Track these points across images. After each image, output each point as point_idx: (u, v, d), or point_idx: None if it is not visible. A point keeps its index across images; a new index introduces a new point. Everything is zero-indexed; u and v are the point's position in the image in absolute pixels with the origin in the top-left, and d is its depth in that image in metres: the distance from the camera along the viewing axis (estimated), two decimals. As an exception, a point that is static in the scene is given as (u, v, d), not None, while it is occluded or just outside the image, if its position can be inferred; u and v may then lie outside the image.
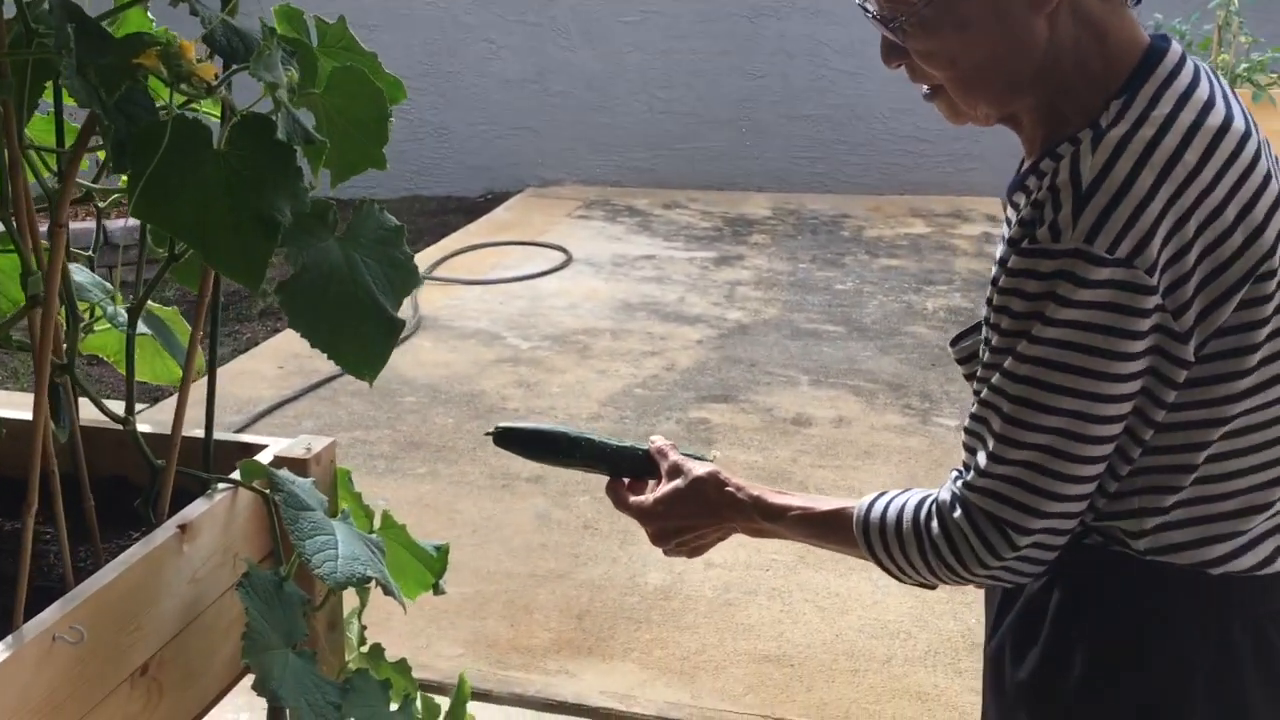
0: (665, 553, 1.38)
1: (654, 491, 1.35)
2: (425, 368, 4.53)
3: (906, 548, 1.17)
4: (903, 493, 1.21)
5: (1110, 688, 1.16)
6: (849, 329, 5.03)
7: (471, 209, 7.32)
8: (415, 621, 2.87)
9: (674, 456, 1.36)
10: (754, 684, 2.65)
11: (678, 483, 1.33)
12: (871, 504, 1.21)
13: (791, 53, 7.42)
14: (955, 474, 1.17)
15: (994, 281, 1.12)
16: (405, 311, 4.88)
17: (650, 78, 7.56)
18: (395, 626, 2.84)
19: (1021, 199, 1.13)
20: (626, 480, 1.39)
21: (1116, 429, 1.08)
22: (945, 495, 1.16)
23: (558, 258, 5.97)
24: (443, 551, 1.36)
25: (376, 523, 1.36)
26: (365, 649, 1.40)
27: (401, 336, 4.84)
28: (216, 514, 1.22)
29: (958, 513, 1.13)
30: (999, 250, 1.17)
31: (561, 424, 1.38)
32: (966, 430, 1.16)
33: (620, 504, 1.37)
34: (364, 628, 1.41)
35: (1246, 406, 1.09)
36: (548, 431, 1.35)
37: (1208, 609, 1.13)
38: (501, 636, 2.82)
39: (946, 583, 1.19)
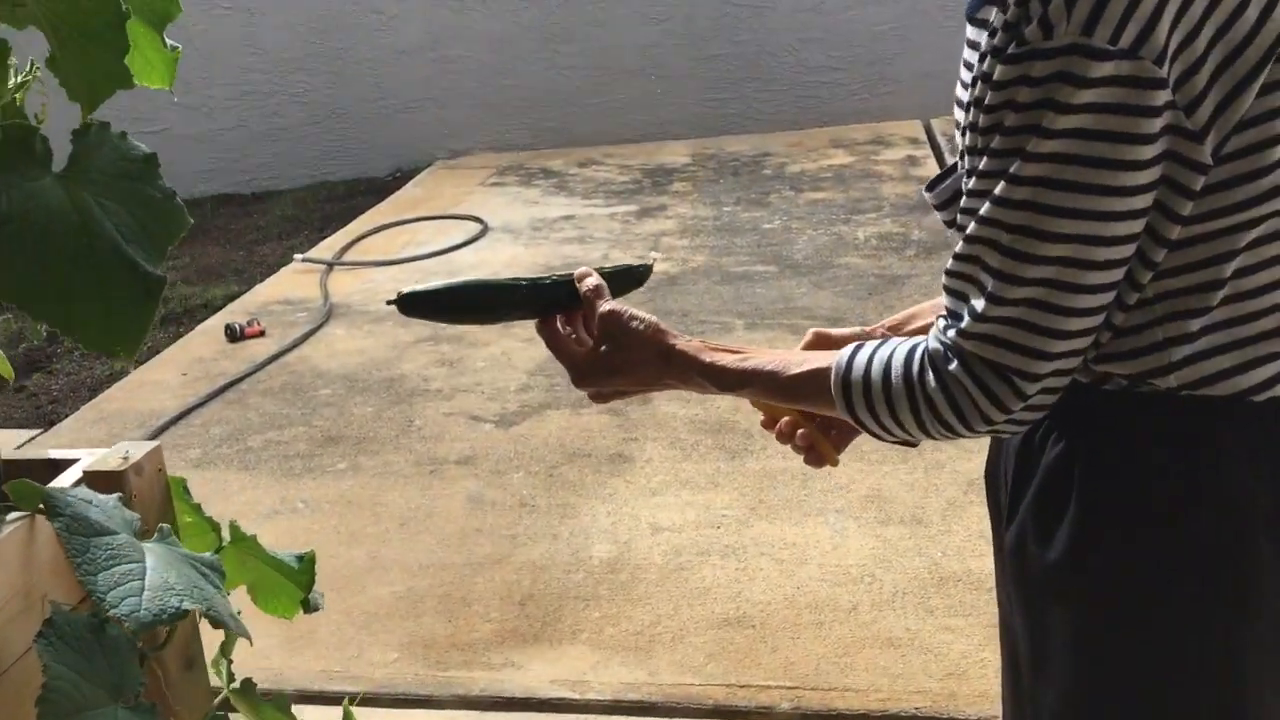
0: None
1: (591, 344, 1.18)
2: (339, 357, 4.27)
3: (896, 406, 1.02)
4: (883, 343, 1.06)
5: (1162, 542, 1.02)
6: (780, 267, 4.84)
7: (381, 189, 7.02)
8: (343, 630, 2.64)
9: (605, 306, 1.16)
10: (715, 652, 2.46)
11: (612, 346, 1.15)
12: (851, 361, 1.06)
13: (692, -8, 7.17)
14: (942, 322, 1.02)
15: (977, 103, 0.97)
16: (315, 301, 4.46)
17: (550, 33, 7.28)
18: (322, 638, 2.61)
19: (991, 11, 0.98)
20: (559, 317, 1.22)
21: (1129, 250, 0.95)
22: (935, 344, 1.01)
23: (474, 228, 5.71)
24: (306, 561, 1.14)
25: (226, 536, 1.13)
26: (236, 686, 1.18)
27: (312, 326, 4.51)
28: (7, 550, 0.99)
29: (954, 365, 0.99)
30: (967, 74, 1.03)
31: (470, 277, 1.22)
32: (951, 274, 1.00)
33: (554, 347, 1.20)
34: (230, 661, 1.19)
35: (1273, 208, 0.95)
36: (457, 286, 1.17)
37: (1257, 439, 1.00)
38: (439, 634, 2.60)
39: (936, 439, 1.04)
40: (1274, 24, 0.92)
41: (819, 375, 1.07)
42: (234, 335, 4.49)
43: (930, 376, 1.00)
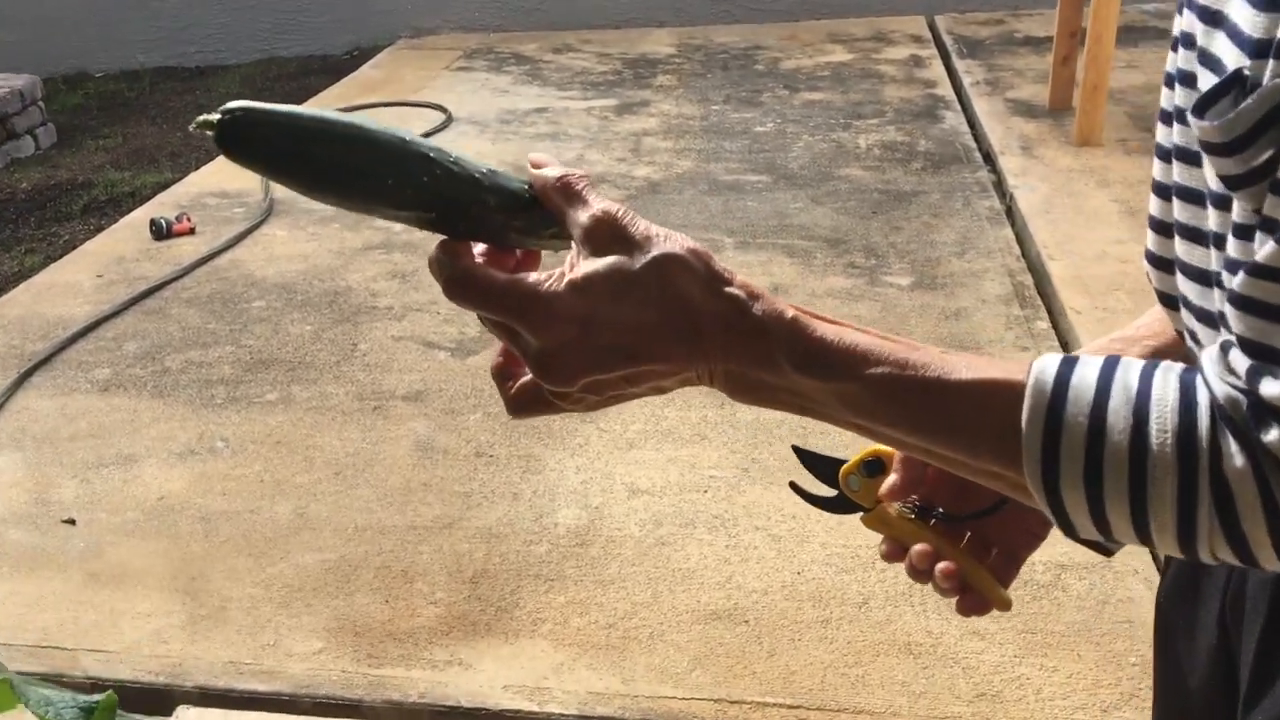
0: (553, 399, 0.65)
1: (569, 269, 0.62)
2: (278, 263, 3.78)
3: (1151, 484, 0.57)
4: (1108, 363, 0.59)
5: None
6: (774, 178, 4.36)
7: (336, 68, 6.42)
8: (260, 607, 2.23)
9: (597, 205, 0.62)
10: (701, 655, 2.08)
11: (623, 261, 0.61)
12: (1068, 377, 0.59)
13: None
14: (1241, 359, 0.57)
15: None
16: (253, 195, 3.84)
17: (527, -99, 6.62)
18: (232, 618, 2.20)
19: None
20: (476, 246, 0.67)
21: None
22: (1227, 390, 0.57)
23: (436, 118, 5.17)
24: (106, 707, 0.71)
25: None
26: None
27: (249, 225, 3.97)
28: None
29: (1273, 434, 0.54)
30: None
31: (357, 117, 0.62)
32: (1263, 270, 0.56)
33: (484, 288, 0.62)
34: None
35: None
36: (326, 125, 0.60)
37: None
38: (374, 618, 2.20)
39: (1201, 561, 0.59)
40: None
41: (998, 390, 0.60)
42: (160, 232, 3.98)
43: (1232, 445, 0.56)
